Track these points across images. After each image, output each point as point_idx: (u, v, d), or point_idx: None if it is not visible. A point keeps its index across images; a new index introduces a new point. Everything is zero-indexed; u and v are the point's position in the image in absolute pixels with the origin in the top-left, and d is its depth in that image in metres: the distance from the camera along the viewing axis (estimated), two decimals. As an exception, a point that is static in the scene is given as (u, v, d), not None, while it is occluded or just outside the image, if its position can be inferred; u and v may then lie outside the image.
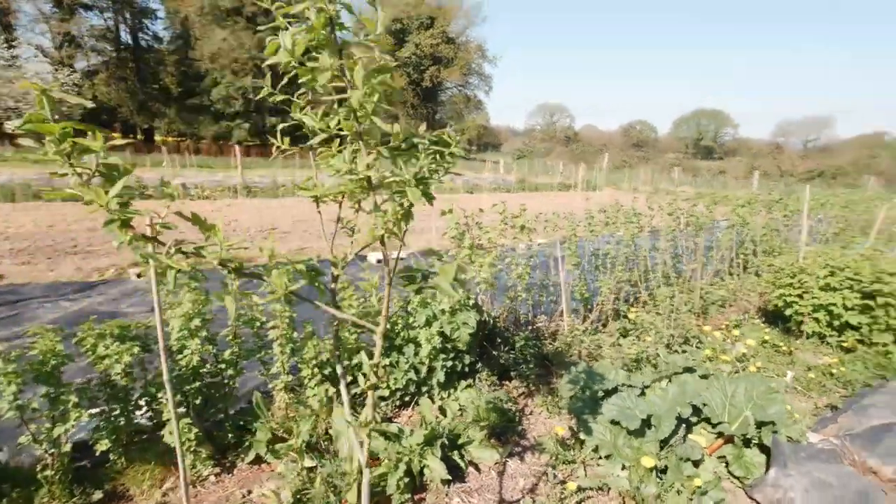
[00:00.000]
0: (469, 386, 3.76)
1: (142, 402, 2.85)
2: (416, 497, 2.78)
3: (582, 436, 3.16)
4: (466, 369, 3.83)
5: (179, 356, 2.89)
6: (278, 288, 1.21)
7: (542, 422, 3.66)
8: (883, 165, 53.75)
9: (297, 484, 2.66)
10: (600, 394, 3.34)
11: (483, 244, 4.33)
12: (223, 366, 3.08)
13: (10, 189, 14.79)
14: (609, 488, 2.84)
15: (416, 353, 3.55)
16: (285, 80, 1.52)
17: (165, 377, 1.83)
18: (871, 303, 4.82)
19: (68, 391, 2.51)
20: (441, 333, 3.56)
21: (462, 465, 2.99)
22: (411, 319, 3.65)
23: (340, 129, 1.20)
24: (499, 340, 4.35)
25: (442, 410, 3.55)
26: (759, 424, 3.04)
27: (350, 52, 1.16)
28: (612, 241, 5.37)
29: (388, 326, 3.39)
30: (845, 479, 2.58)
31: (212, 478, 2.86)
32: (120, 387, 2.70)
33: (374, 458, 2.80)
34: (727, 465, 3.04)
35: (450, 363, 3.64)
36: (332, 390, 3.22)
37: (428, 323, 3.59)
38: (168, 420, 2.72)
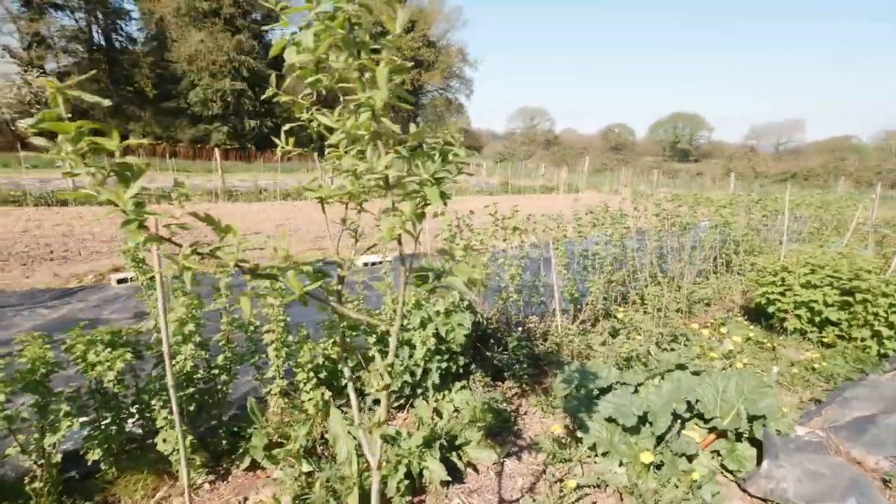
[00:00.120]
0: (463, 387, 3.76)
1: (133, 410, 2.79)
2: (416, 499, 2.77)
3: (579, 434, 3.18)
4: (461, 371, 3.83)
5: (173, 362, 2.82)
6: (296, 289, 1.20)
7: (538, 421, 3.68)
8: (851, 167, 55.78)
9: (295, 489, 2.63)
10: (595, 392, 3.38)
11: (475, 246, 4.35)
12: (217, 371, 3.03)
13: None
14: (607, 485, 2.87)
15: (411, 356, 3.54)
16: (287, 80, 1.51)
17: (169, 382, 1.80)
18: (850, 299, 4.98)
19: (59, 400, 2.44)
20: (436, 335, 3.56)
21: (460, 465, 2.99)
22: (406, 321, 3.64)
23: (357, 130, 1.20)
24: (492, 341, 4.37)
25: (437, 412, 3.55)
26: (751, 418, 3.11)
27: (368, 51, 1.16)
28: (601, 241, 5.43)
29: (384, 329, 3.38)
30: (837, 468, 2.66)
31: (206, 486, 2.81)
32: (112, 394, 2.63)
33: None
34: (721, 459, 3.10)
35: (445, 365, 3.64)
36: (328, 394, 3.19)
37: (423, 325, 3.59)
38: (161, 428, 2.66)
